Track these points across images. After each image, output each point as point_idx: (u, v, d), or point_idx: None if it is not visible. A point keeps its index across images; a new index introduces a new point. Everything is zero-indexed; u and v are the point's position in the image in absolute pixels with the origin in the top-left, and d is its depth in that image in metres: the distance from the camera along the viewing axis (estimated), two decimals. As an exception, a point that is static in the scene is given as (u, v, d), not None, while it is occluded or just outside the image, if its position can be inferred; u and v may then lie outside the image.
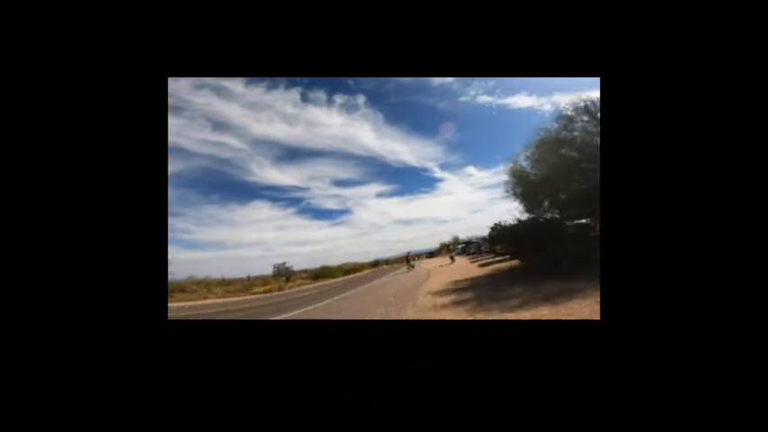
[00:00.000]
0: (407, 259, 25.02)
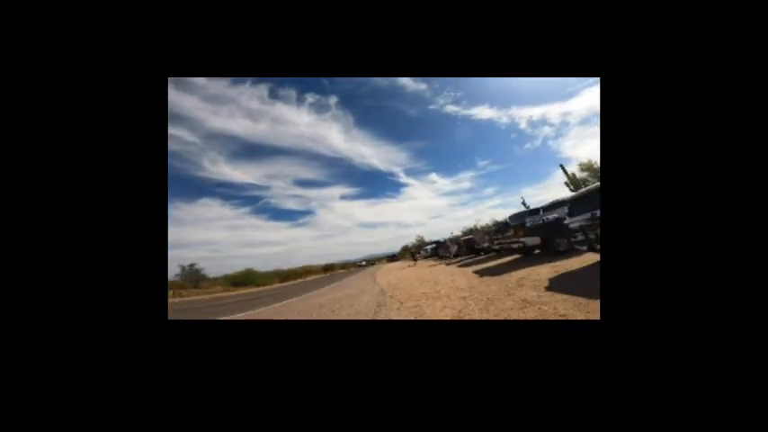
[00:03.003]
0: (412, 254, 26.65)
